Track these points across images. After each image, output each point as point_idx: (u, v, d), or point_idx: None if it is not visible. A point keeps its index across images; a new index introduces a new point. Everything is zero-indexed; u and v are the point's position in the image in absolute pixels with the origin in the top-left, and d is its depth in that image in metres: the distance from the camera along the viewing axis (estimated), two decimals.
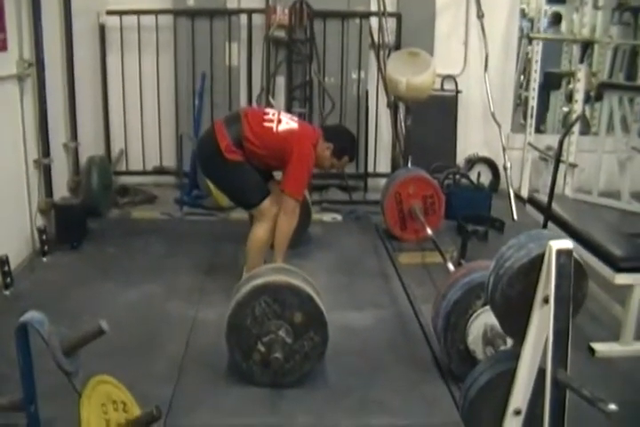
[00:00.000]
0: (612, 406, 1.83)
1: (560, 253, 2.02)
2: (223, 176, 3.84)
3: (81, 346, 2.09)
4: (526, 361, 2.16)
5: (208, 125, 5.06)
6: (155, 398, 2.74)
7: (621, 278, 3.27)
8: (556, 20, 8.63)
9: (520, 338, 2.16)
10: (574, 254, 2.05)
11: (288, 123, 3.83)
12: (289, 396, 2.93)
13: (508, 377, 2.20)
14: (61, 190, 4.93)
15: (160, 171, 6.22)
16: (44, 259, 4.36)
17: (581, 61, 5.87)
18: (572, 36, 6.43)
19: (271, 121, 3.80)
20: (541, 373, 2.12)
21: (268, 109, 4.12)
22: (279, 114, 3.91)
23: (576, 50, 6.25)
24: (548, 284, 2.04)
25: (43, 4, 4.40)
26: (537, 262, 2.07)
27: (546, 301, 2.06)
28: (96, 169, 5.17)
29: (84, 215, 4.78)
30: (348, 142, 4.09)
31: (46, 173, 4.59)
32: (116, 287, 3.96)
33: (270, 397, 2.92)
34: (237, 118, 3.83)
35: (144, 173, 6.20)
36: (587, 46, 5.86)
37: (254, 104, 5.96)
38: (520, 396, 2.19)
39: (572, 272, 2.03)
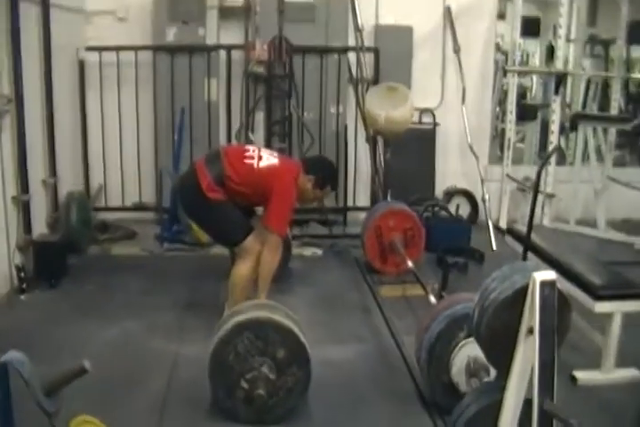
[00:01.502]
0: None
1: (544, 284, 2.03)
2: (206, 216, 3.80)
3: (63, 386, 2.06)
4: (512, 392, 2.16)
5: (188, 161, 5.13)
6: None
7: (601, 307, 3.28)
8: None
9: (505, 369, 2.16)
10: (557, 285, 2.07)
11: (269, 159, 3.82)
12: None
13: (495, 409, 2.19)
14: (40, 227, 4.87)
15: (140, 207, 6.18)
16: (22, 297, 4.29)
17: (556, 93, 5.96)
18: (545, 69, 6.55)
19: (252, 158, 3.79)
20: (528, 403, 2.12)
21: (248, 146, 4.13)
22: (259, 150, 3.89)
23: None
24: (533, 315, 2.04)
25: (22, 39, 4.39)
26: (521, 294, 2.08)
27: (530, 331, 2.07)
28: (75, 205, 5.12)
29: (63, 252, 4.72)
30: (328, 172, 4.08)
31: (25, 209, 4.54)
32: (95, 325, 3.90)
33: None
34: (218, 157, 3.81)
35: (123, 208, 6.16)
36: (560, 78, 5.96)
37: (233, 140, 5.98)
38: None
39: (555, 303, 2.04)
